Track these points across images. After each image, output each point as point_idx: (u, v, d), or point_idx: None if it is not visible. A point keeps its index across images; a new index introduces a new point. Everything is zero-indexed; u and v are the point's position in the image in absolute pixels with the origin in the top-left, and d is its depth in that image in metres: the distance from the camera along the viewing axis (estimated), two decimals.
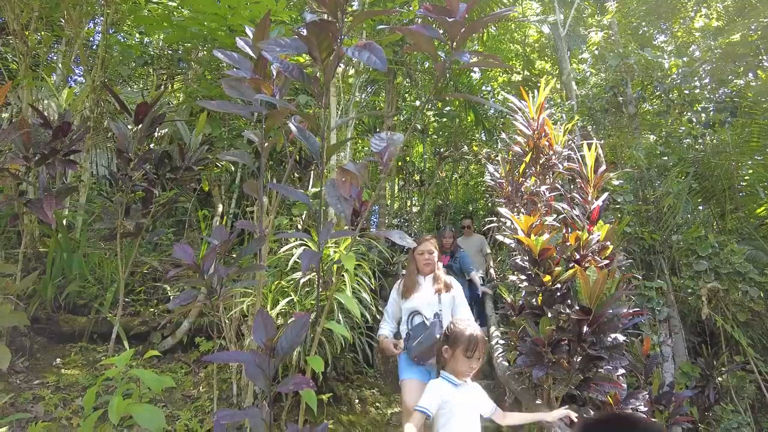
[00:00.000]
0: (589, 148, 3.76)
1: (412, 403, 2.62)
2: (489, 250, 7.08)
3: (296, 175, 6.42)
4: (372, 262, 5.02)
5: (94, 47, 6.66)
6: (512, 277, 3.64)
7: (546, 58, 10.89)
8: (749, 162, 5.90)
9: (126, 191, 3.56)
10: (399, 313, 3.27)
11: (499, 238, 4.02)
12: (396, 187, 11.41)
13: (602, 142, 5.87)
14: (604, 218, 4.54)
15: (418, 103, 9.54)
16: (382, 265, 5.45)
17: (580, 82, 7.23)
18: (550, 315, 3.04)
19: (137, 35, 6.86)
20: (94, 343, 4.02)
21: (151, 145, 6.35)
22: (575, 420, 2.42)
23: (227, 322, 3.24)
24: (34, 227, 4.23)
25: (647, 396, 3.09)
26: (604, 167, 3.77)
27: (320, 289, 2.13)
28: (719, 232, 5.44)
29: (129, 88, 7.49)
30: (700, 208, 6.03)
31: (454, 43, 1.74)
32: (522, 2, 10.25)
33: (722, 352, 4.73)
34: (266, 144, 2.10)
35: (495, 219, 5.03)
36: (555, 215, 3.96)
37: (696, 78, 6.26)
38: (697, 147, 5.96)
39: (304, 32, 1.76)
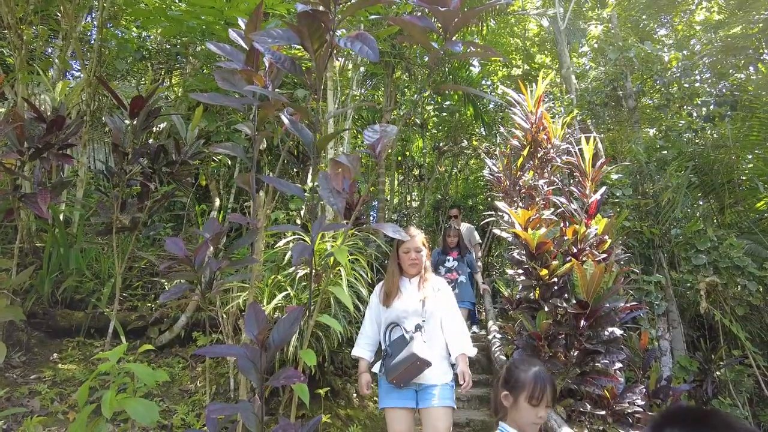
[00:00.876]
0: (588, 142, 3.75)
1: None
2: (479, 239, 6.93)
3: (295, 169, 6.41)
4: (370, 256, 5.01)
5: (92, 42, 6.64)
6: (510, 271, 3.63)
7: (546, 51, 10.85)
8: (749, 156, 5.87)
9: (122, 186, 3.55)
10: (381, 323, 2.73)
11: (497, 232, 4.01)
12: (396, 182, 11.39)
13: (602, 135, 5.86)
14: (603, 212, 4.53)
15: (417, 97, 9.50)
16: (380, 259, 5.43)
17: (579, 75, 7.20)
18: (546, 309, 3.03)
19: (135, 29, 6.82)
20: (91, 338, 4.02)
21: (150, 140, 6.34)
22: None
23: (224, 316, 3.24)
24: (31, 222, 4.22)
25: (644, 390, 3.08)
26: (602, 161, 3.75)
27: (313, 283, 2.12)
28: (718, 226, 5.42)
29: (127, 83, 7.46)
30: (700, 202, 6.00)
31: (448, 34, 1.71)
32: None
33: (720, 346, 4.72)
34: (258, 136, 2.08)
35: (493, 213, 5.01)
36: (553, 209, 3.95)
37: (696, 71, 6.22)
38: (696, 141, 5.94)
39: None
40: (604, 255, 3.30)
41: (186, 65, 6.91)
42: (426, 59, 8.44)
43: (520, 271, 3.32)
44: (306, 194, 4.42)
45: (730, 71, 6.59)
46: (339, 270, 3.48)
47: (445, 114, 10.34)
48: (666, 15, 8.33)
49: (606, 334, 2.93)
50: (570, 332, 2.96)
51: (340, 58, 6.11)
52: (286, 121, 1.88)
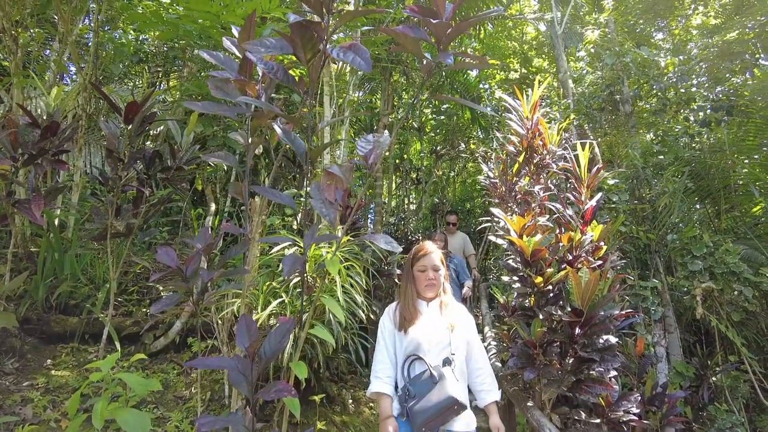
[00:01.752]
0: (584, 147, 3.75)
1: None
2: (473, 250, 6.48)
3: (292, 174, 6.41)
4: (366, 262, 5.00)
5: (89, 45, 6.63)
6: (505, 278, 3.63)
7: (543, 56, 10.87)
8: (745, 161, 5.88)
9: (116, 191, 3.54)
10: (397, 353, 2.29)
11: (492, 238, 4.00)
12: (393, 185, 11.39)
13: (599, 140, 5.86)
14: (599, 218, 4.53)
15: (414, 100, 9.51)
16: (376, 265, 5.43)
17: (576, 80, 7.21)
18: (541, 317, 3.02)
19: (132, 33, 6.82)
20: (85, 343, 4.00)
21: (148, 143, 6.33)
22: None
23: (219, 323, 3.23)
24: (26, 227, 4.20)
25: (639, 397, 3.08)
26: (598, 166, 3.75)
27: (304, 294, 2.11)
28: (714, 232, 5.43)
29: (125, 86, 7.45)
30: (696, 207, 6.01)
31: (441, 45, 1.71)
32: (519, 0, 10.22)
33: (717, 352, 4.72)
34: (252, 145, 2.08)
35: (489, 219, 5.01)
36: (548, 215, 3.95)
37: (693, 76, 6.24)
38: (693, 146, 5.94)
39: None
40: (600, 262, 3.30)
41: (183, 69, 6.91)
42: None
43: (516, 278, 3.31)
44: (302, 200, 4.41)
45: (727, 76, 6.60)
46: (334, 277, 3.47)
47: (442, 117, 10.36)
48: (662, 20, 8.36)
49: (601, 342, 2.92)
50: (565, 340, 2.95)
51: (338, 62, 6.11)
52: (279, 131, 1.88)
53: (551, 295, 3.13)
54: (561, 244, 3.25)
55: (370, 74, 7.51)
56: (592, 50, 7.01)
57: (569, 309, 2.95)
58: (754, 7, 6.87)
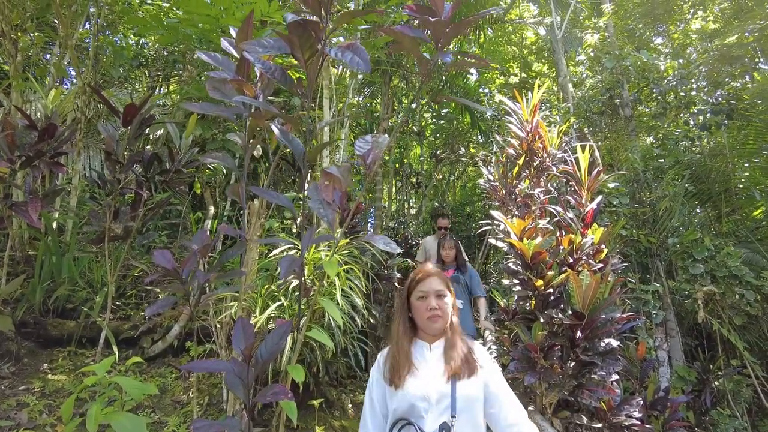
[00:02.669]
0: (584, 151, 3.74)
1: None
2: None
3: (292, 177, 6.39)
4: (366, 265, 4.97)
5: (89, 49, 6.64)
6: (506, 281, 3.60)
7: (543, 60, 10.89)
8: (745, 164, 5.87)
9: (115, 194, 3.52)
10: (387, 412, 1.65)
11: (492, 241, 3.98)
12: (393, 189, 11.38)
13: (599, 144, 5.85)
14: (600, 221, 4.51)
15: (414, 104, 9.51)
16: (376, 269, 5.40)
17: (576, 83, 7.22)
18: (542, 320, 3.00)
19: (132, 37, 6.83)
20: (83, 347, 3.97)
21: (148, 147, 6.32)
22: None
23: (217, 326, 3.20)
24: (23, 230, 4.18)
25: (641, 402, 3.05)
26: (598, 169, 3.74)
27: (302, 297, 2.09)
28: (715, 235, 5.41)
29: (125, 90, 7.45)
30: (697, 210, 5.99)
31: (439, 44, 1.70)
32: (519, 4, 10.24)
33: (719, 356, 4.69)
34: (250, 146, 2.06)
35: (489, 222, 4.97)
36: (549, 218, 3.93)
37: (692, 80, 6.24)
38: (693, 149, 5.94)
39: None
40: (601, 265, 3.28)
41: (183, 72, 6.92)
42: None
43: (516, 281, 3.29)
44: (301, 202, 4.39)
45: (726, 80, 6.60)
46: (333, 280, 3.45)
47: (442, 122, 10.37)
48: (662, 24, 8.37)
49: (602, 345, 2.89)
50: (566, 344, 2.93)
51: (338, 66, 6.11)
52: (276, 131, 1.86)
53: (552, 298, 3.11)
54: (561, 247, 3.23)
55: (369, 78, 7.50)
56: (592, 54, 7.02)
57: (570, 312, 2.92)
58: (753, 11, 6.87)
